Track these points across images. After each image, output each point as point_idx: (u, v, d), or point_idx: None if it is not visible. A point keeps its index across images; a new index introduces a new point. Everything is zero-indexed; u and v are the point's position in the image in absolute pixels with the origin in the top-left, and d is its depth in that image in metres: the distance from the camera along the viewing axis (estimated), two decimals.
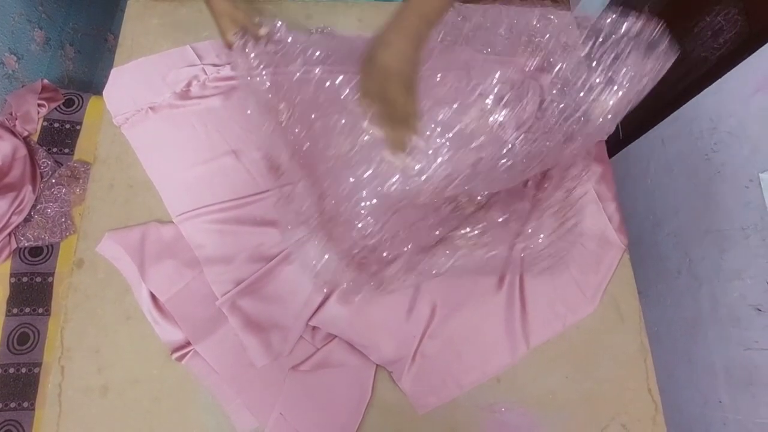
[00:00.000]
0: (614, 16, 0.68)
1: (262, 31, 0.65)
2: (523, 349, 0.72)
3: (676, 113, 1.28)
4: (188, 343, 0.70)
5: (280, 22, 0.67)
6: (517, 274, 0.74)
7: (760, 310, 0.98)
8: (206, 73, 0.87)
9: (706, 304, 1.13)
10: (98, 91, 0.95)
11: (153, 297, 0.71)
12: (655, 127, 1.36)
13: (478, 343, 0.73)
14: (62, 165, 1.03)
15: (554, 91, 0.77)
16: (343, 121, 0.59)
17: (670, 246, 1.26)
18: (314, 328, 0.73)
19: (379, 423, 0.67)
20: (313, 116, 0.63)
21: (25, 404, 0.89)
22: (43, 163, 1.03)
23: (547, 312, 0.74)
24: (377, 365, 0.71)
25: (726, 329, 1.07)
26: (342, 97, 0.59)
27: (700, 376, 1.14)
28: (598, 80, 0.65)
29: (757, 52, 1.01)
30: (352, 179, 0.60)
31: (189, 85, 0.87)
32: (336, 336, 0.71)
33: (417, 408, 0.70)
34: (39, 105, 1.06)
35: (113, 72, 0.89)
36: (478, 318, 0.74)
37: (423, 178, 0.58)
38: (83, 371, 0.70)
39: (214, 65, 0.88)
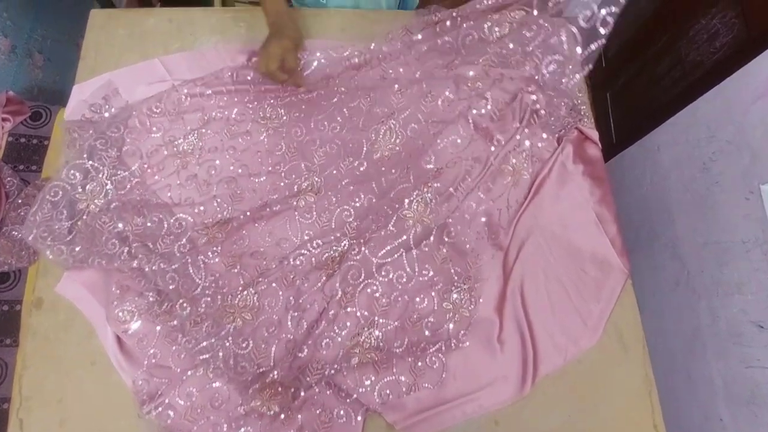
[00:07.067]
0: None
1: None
2: (528, 386, 0.67)
3: (672, 119, 1.23)
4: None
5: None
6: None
7: (762, 327, 0.95)
8: (177, 90, 0.80)
9: (705, 317, 1.10)
10: None
11: (119, 340, 0.65)
12: (651, 133, 1.32)
13: (482, 375, 0.68)
14: (29, 183, 0.97)
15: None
16: None
17: (667, 257, 1.23)
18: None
19: None
20: None
21: None
22: (9, 182, 0.97)
23: (548, 344, 0.69)
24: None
25: (726, 344, 1.04)
26: None
27: (700, 391, 1.10)
28: None
29: (757, 58, 0.97)
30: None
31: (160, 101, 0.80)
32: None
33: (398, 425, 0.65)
34: (3, 119, 0.99)
35: (75, 89, 0.83)
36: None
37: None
38: (44, 424, 0.63)
39: (185, 81, 0.82)
